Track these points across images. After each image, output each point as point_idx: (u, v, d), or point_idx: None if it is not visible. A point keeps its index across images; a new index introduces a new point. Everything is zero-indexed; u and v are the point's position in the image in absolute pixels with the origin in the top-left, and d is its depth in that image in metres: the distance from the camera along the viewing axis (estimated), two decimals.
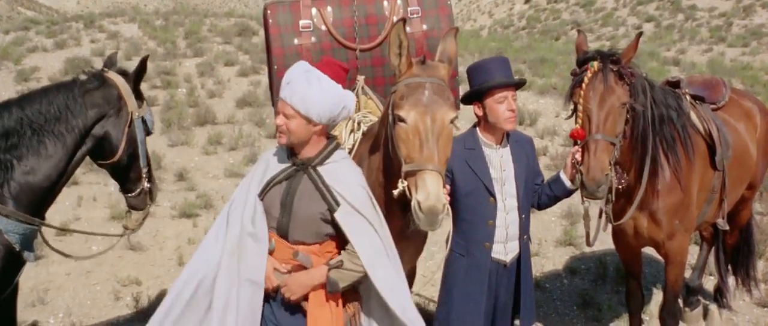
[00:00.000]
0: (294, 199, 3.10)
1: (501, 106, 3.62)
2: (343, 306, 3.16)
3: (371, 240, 3.07)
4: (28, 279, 6.14)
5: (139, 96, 3.84)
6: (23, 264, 3.62)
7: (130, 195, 3.94)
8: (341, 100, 3.08)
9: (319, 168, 3.12)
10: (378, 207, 3.16)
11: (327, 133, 3.19)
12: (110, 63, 3.88)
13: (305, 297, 3.11)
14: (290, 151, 3.17)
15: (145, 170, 3.87)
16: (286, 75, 3.08)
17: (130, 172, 3.86)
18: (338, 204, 3.05)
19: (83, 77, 3.74)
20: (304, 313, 3.13)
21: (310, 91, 2.98)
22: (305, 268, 3.10)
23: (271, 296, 3.18)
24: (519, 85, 3.75)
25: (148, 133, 3.88)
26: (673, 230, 4.34)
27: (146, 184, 3.92)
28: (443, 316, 3.86)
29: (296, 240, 3.14)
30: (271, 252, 3.14)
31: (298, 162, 3.13)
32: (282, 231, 3.14)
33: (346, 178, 3.12)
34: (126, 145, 3.73)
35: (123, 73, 3.81)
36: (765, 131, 5.17)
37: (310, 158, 3.12)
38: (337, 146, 3.21)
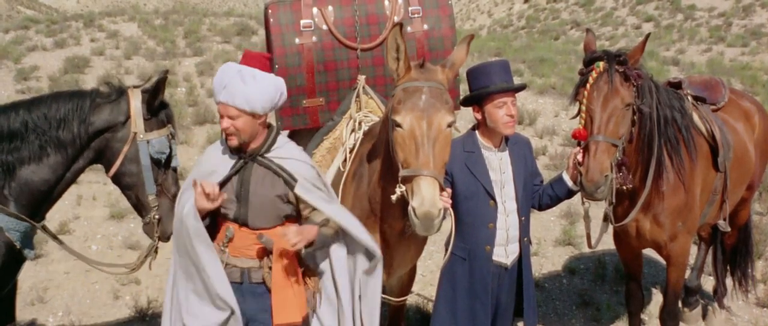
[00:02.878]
0: (249, 189, 3.24)
1: (500, 110, 3.61)
2: (304, 283, 3.31)
3: (331, 204, 3.32)
4: (28, 277, 6.14)
5: (159, 118, 3.69)
6: (23, 261, 3.63)
7: (143, 222, 3.79)
8: (277, 88, 3.22)
9: (267, 155, 3.26)
10: (328, 184, 3.45)
11: (266, 122, 3.31)
12: (156, 79, 3.69)
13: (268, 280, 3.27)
14: (233, 148, 3.26)
15: (151, 197, 3.67)
16: (218, 79, 3.16)
17: (131, 194, 3.71)
18: (295, 181, 3.22)
19: (105, 89, 3.70)
20: (268, 297, 3.27)
21: (248, 88, 3.10)
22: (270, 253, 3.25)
23: (236, 281, 3.28)
24: (518, 90, 3.73)
25: (159, 161, 3.66)
26: (675, 232, 4.33)
27: (155, 215, 3.70)
28: (447, 317, 3.85)
29: (257, 227, 3.27)
30: (230, 240, 3.27)
31: (246, 155, 3.25)
32: (241, 221, 3.27)
33: (294, 158, 3.31)
34: (122, 164, 3.62)
35: (146, 92, 3.65)
36: (763, 131, 5.17)
37: (257, 148, 3.25)
38: (278, 132, 3.37)
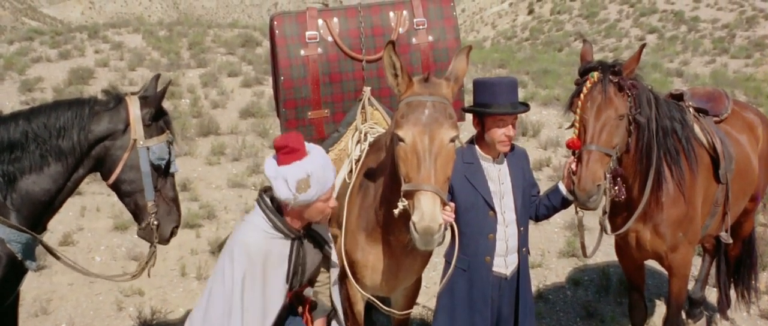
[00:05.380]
0: (306, 263, 3.31)
1: (499, 129, 3.61)
2: None
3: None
4: (31, 288, 6.15)
5: (158, 124, 3.70)
6: (25, 272, 3.61)
7: (139, 226, 3.79)
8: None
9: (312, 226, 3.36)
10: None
11: None
12: (151, 84, 3.73)
13: None
14: (285, 227, 3.16)
15: (150, 203, 3.68)
16: (315, 175, 3.03)
17: (130, 200, 3.72)
18: (331, 248, 3.49)
19: (102, 96, 3.70)
20: None
21: (328, 163, 3.17)
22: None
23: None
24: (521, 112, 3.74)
25: (159, 167, 3.68)
26: (676, 242, 4.33)
27: (153, 220, 3.71)
28: None
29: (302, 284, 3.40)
30: None
31: (301, 232, 3.24)
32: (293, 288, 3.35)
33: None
34: (122, 171, 3.62)
35: (145, 99, 3.66)
36: (767, 143, 5.17)
37: (308, 222, 3.28)
38: None
